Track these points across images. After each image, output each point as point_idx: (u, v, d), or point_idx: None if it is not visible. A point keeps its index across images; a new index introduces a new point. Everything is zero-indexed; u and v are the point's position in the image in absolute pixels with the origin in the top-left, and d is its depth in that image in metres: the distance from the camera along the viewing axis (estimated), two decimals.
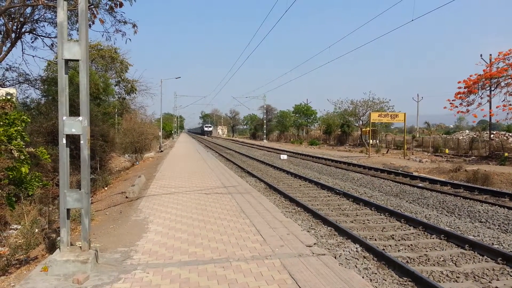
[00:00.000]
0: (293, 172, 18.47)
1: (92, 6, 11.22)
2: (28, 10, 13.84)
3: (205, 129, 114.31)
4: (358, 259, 6.32)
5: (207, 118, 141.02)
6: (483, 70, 24.52)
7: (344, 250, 6.75)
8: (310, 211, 9.75)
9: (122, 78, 30.71)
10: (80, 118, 4.92)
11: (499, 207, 10.65)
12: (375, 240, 7.57)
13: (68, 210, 5.00)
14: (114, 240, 6.23)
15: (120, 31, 12.78)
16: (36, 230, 8.47)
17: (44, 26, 15.01)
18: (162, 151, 34.51)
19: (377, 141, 45.77)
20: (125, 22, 12.77)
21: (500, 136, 37.25)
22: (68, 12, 12.16)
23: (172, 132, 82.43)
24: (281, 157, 27.82)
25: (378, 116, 32.82)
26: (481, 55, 29.42)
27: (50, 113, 16.44)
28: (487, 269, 5.98)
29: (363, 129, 42.54)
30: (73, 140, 7.36)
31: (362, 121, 44.95)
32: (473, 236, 7.83)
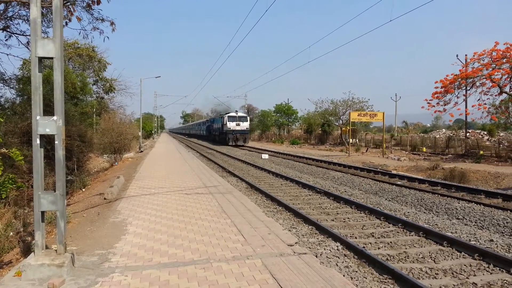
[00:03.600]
0: (275, 171, 18.49)
1: (69, 3, 10.95)
2: (1, 7, 13.41)
3: (229, 125, 44.03)
4: (339, 258, 6.34)
5: (188, 117, 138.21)
6: (459, 70, 25.12)
7: (325, 249, 6.77)
8: (292, 210, 9.76)
9: (100, 77, 30.23)
10: (55, 117, 4.77)
11: (475, 204, 10.90)
12: (356, 238, 7.62)
13: (43, 212, 4.85)
14: (92, 242, 6.09)
15: (98, 29, 12.51)
16: (11, 233, 8.21)
17: (19, 23, 14.56)
18: (142, 151, 34.04)
19: (357, 140, 46.30)
20: (102, 20, 12.51)
21: (475, 135, 38.22)
22: (45, 9, 11.90)
23: (153, 132, 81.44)
24: (263, 157, 27.81)
25: (358, 115, 33.22)
26: (457, 56, 30.23)
27: (25, 113, 15.98)
28: (464, 265, 6.09)
29: (343, 128, 42.93)
30: (48, 141, 7.16)
31: (342, 120, 45.39)
32: (451, 233, 7.97)
